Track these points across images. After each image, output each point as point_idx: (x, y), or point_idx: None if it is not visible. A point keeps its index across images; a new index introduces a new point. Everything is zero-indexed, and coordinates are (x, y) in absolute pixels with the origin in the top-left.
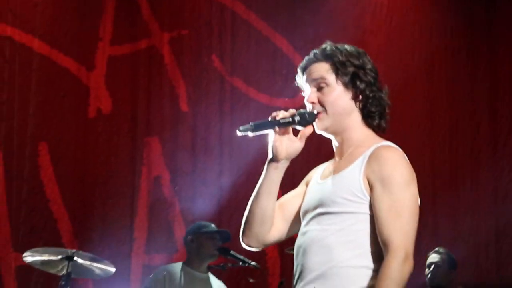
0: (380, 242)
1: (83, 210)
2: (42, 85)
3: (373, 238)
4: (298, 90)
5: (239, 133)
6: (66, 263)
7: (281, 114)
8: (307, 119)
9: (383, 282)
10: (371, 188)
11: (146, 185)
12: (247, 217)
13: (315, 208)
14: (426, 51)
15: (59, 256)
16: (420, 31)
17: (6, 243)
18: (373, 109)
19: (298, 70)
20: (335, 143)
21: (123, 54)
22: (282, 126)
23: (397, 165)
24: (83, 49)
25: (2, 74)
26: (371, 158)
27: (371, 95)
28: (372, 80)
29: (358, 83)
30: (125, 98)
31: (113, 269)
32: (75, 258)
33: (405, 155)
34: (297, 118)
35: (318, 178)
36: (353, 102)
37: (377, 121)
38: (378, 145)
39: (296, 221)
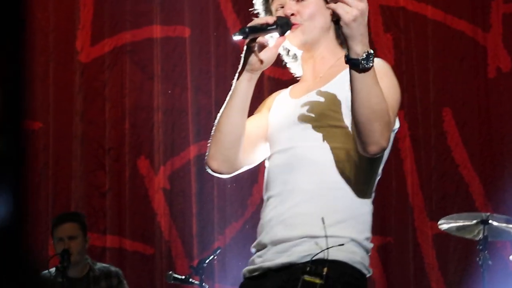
0: None
1: (494, 172)
2: (440, 51)
3: (362, 161)
4: None
5: (234, 38)
6: (481, 227)
7: (265, 20)
8: (286, 27)
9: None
10: None
11: None
12: (217, 138)
13: (299, 122)
14: None
15: (474, 221)
16: None
17: (420, 212)
18: None
19: None
20: (305, 64)
21: None
22: (269, 32)
23: (388, 71)
24: (477, 11)
25: (399, 44)
26: None
27: None
28: None
29: None
30: None
31: None
32: (490, 221)
33: None
34: (280, 22)
35: (287, 97)
36: (330, 19)
37: None
38: None
39: (263, 144)
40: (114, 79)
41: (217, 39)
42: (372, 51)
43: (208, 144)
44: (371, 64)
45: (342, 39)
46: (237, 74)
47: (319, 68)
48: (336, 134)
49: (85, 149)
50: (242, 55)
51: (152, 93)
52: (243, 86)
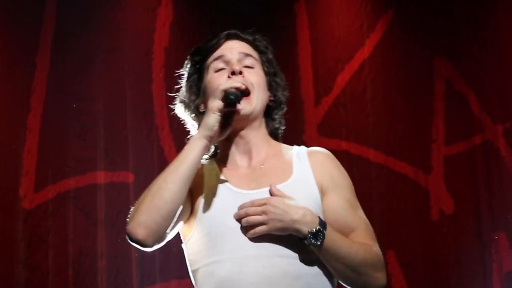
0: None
1: None
2: (383, 194)
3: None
4: None
5: (222, 102)
6: None
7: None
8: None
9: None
10: (322, 196)
11: (499, 282)
12: (154, 204)
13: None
14: None
15: None
16: None
17: None
18: (278, 117)
19: (213, 42)
20: (235, 146)
21: (459, 152)
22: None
23: (341, 168)
24: (417, 153)
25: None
26: (314, 162)
27: (284, 101)
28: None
29: (278, 82)
30: (466, 196)
31: None
32: None
33: None
34: (239, 94)
35: (225, 184)
36: (267, 103)
37: (280, 133)
38: (304, 148)
39: (176, 225)
40: (57, 226)
41: None
42: (319, 227)
43: (132, 211)
44: (319, 242)
45: (270, 129)
46: (191, 141)
47: (256, 156)
48: None
49: None
50: (206, 120)
51: (96, 240)
52: (196, 154)
